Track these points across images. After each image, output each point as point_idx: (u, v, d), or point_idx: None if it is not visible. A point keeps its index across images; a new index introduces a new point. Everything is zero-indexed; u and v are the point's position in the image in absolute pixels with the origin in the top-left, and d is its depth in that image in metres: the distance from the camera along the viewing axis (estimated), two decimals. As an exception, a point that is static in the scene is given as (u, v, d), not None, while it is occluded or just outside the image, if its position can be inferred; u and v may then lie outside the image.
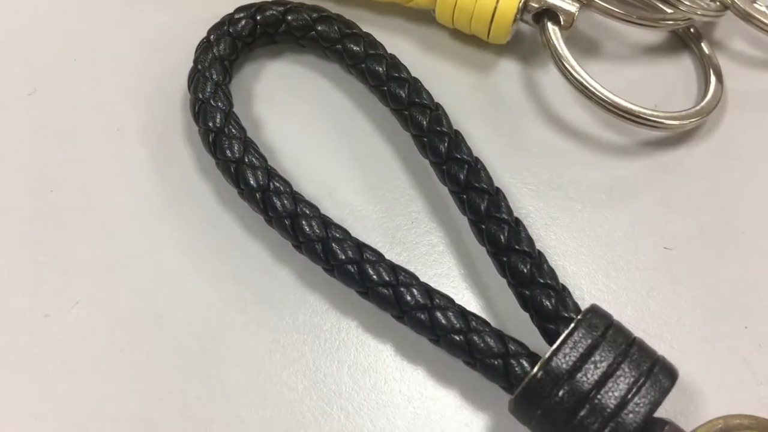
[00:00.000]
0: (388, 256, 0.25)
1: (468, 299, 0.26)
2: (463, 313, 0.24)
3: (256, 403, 0.24)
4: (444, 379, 0.24)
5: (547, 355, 0.22)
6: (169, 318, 0.25)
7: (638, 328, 0.23)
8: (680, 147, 0.29)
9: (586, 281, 0.26)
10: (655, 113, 0.28)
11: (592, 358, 0.22)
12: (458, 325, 0.23)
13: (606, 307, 0.23)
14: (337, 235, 0.24)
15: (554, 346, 0.22)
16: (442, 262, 0.26)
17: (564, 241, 0.27)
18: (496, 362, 0.23)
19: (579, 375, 0.22)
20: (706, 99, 0.29)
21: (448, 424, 0.24)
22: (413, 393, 0.24)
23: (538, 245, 0.26)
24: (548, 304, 0.23)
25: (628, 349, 0.22)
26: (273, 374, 0.24)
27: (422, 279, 0.24)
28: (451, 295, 0.24)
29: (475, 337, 0.23)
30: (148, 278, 0.25)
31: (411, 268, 0.25)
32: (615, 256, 0.27)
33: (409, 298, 0.24)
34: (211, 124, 0.26)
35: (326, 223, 0.25)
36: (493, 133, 0.29)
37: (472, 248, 0.26)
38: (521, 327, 0.24)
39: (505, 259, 0.24)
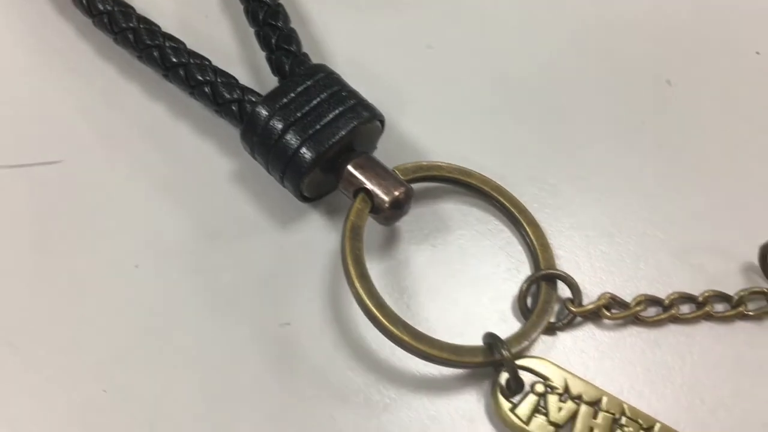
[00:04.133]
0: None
1: (239, 73, 0.29)
2: (215, 70, 0.28)
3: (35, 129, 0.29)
4: (204, 132, 0.29)
5: (267, 93, 0.26)
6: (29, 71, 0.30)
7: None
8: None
9: (347, 64, 0.30)
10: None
11: (305, 96, 0.26)
12: (208, 78, 0.27)
13: (361, 87, 0.27)
14: (123, 9, 0.29)
15: (275, 87, 0.26)
16: (224, 46, 0.30)
17: (334, 38, 0.31)
18: (234, 107, 0.27)
19: (290, 107, 0.26)
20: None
21: (204, 162, 0.28)
22: (180, 142, 0.29)
23: (313, 41, 0.30)
24: (287, 65, 0.27)
25: (340, 91, 0.26)
26: (59, 114, 0.29)
27: (209, 61, 0.29)
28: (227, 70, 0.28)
29: (222, 89, 0.27)
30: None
31: (198, 50, 0.29)
32: (379, 50, 0.30)
33: (174, 58, 0.28)
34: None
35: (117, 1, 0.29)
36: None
37: (249, 33, 0.30)
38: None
39: (261, 32, 0.28)
